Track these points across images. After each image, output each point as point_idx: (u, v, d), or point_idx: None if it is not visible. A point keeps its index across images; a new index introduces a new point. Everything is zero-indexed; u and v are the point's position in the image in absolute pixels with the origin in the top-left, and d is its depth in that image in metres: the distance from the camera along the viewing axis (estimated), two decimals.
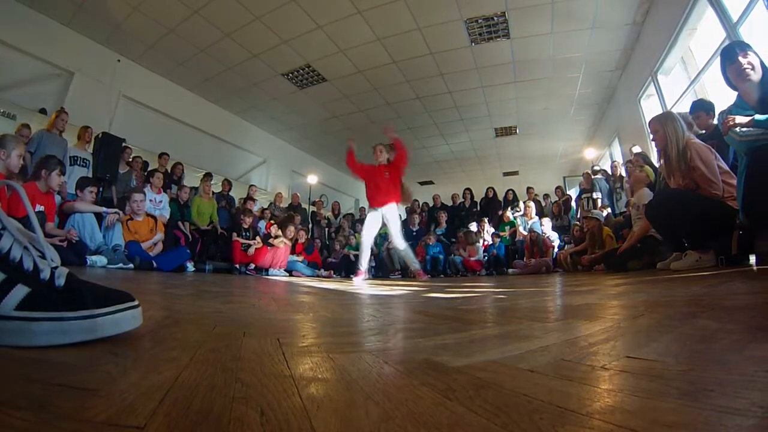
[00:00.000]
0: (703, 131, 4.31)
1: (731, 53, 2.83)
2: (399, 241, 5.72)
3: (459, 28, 7.34)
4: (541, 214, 9.71)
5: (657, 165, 5.39)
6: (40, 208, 4.02)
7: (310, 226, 10.88)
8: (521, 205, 10.02)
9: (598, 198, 8.22)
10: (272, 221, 8.57)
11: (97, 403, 0.40)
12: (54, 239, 4.18)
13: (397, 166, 5.90)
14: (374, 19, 7.12)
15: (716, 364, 0.58)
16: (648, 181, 5.15)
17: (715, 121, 4.34)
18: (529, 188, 10.82)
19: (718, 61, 3.00)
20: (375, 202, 5.74)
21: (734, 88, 2.89)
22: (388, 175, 5.68)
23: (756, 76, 2.72)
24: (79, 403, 0.40)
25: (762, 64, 2.71)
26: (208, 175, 8.44)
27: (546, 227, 8.55)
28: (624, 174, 7.65)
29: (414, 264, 5.89)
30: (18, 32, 6.66)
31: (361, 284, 5.19)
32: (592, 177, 8.75)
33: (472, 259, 8.80)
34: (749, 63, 2.72)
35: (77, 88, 7.52)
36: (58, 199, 4.79)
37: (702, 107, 4.46)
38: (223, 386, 0.48)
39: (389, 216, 5.67)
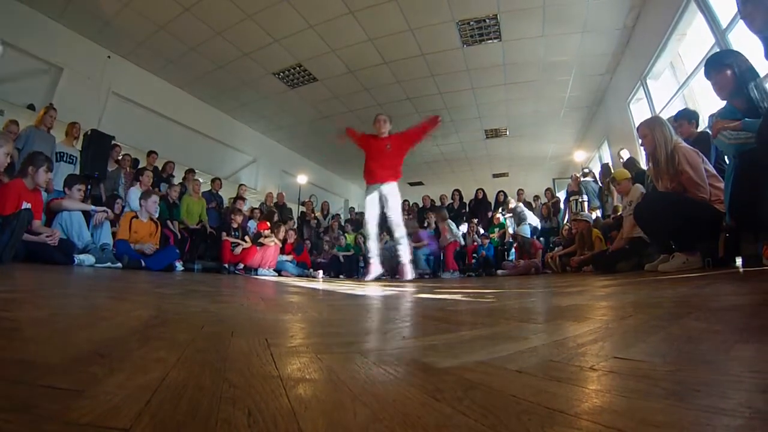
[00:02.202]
0: (686, 137, 4.36)
1: (707, 69, 2.95)
2: (400, 227, 4.92)
3: (451, 29, 7.36)
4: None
5: (645, 168, 5.44)
6: (27, 205, 3.93)
7: (299, 225, 10.85)
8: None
9: (584, 201, 8.24)
10: (266, 220, 8.56)
11: (82, 405, 0.39)
12: (41, 237, 4.12)
13: (406, 139, 5.10)
14: (366, 19, 7.12)
15: (703, 365, 0.58)
16: (629, 176, 5.18)
17: (701, 128, 4.41)
18: (519, 190, 10.86)
19: None
20: (372, 177, 4.99)
21: None
22: (390, 147, 4.94)
23: (724, 93, 2.84)
24: (64, 405, 0.39)
25: (749, 70, 2.75)
26: (190, 171, 8.39)
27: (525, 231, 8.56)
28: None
29: (404, 257, 4.95)
30: (6, 26, 6.56)
31: (373, 281, 4.58)
32: (581, 180, 8.79)
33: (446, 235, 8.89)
34: (716, 84, 2.85)
35: (66, 85, 7.41)
36: (44, 196, 4.71)
37: (685, 116, 4.53)
38: (210, 387, 0.48)
39: (388, 195, 4.88)
